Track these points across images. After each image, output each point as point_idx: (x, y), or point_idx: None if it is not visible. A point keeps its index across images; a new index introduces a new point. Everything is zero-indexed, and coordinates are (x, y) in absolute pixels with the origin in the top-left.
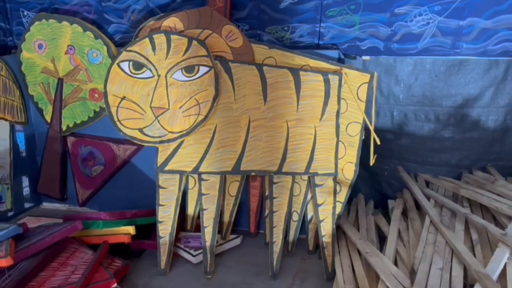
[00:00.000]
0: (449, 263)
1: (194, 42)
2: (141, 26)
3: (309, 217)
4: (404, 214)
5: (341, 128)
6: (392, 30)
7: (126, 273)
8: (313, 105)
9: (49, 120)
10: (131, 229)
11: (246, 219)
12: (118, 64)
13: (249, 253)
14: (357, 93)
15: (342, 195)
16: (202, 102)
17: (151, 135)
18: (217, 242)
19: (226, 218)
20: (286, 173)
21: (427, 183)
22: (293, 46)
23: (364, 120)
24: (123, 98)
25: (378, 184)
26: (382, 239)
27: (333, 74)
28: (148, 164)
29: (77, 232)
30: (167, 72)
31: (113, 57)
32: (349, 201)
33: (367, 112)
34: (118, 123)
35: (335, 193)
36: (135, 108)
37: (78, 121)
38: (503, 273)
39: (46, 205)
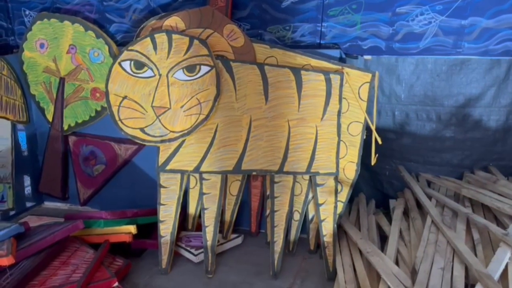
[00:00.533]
0: (451, 263)
1: (196, 42)
2: (142, 26)
3: (310, 216)
4: (406, 213)
5: (343, 127)
6: (393, 29)
7: (127, 272)
8: (314, 104)
9: (50, 120)
10: (132, 228)
11: (247, 218)
12: (119, 64)
13: (250, 253)
14: (358, 93)
15: (343, 195)
16: (203, 102)
17: (152, 135)
18: (218, 241)
19: (227, 217)
20: (287, 173)
21: (429, 183)
22: (295, 46)
23: (365, 119)
24: (125, 97)
25: (379, 184)
26: (383, 239)
27: (334, 73)
28: (149, 164)
29: (78, 231)
30: (169, 72)
31: (114, 57)
32: (350, 200)
33: (369, 111)
34: (119, 122)
35: (336, 192)
36: (136, 108)
37: (80, 121)
38: (505, 273)
39: (48, 204)
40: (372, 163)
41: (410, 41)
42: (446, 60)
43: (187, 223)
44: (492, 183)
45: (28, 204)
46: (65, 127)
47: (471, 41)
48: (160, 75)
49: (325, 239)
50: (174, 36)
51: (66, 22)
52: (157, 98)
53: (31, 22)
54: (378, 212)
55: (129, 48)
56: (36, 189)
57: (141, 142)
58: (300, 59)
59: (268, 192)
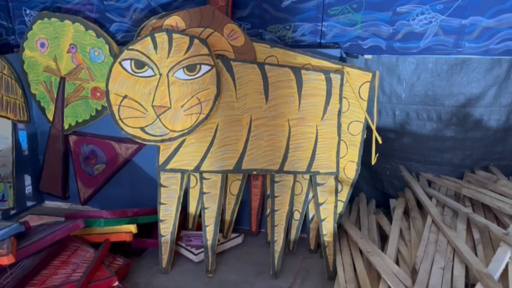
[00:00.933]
0: (451, 262)
1: (196, 41)
2: (143, 25)
3: (310, 216)
4: (406, 213)
5: (343, 127)
6: (394, 29)
7: (127, 272)
8: (315, 104)
9: (51, 119)
10: (132, 228)
11: (248, 218)
12: (120, 63)
13: (250, 252)
14: (359, 92)
15: (344, 194)
16: (203, 101)
17: (152, 134)
18: (218, 241)
19: (227, 217)
20: (288, 172)
21: (429, 183)
22: (295, 45)
23: (366, 119)
24: (125, 96)
25: (379, 184)
26: (383, 239)
27: (335, 73)
28: (149, 163)
29: (78, 231)
30: (169, 71)
31: (115, 56)
32: (351, 200)
33: (369, 111)
34: (119, 121)
35: (336, 192)
36: (136, 107)
37: (80, 120)
38: (505, 272)
39: (48, 203)
40: (373, 163)
41: (410, 40)
42: (447, 59)
43: (187, 223)
44: (492, 183)
45: (29, 203)
46: (66, 126)
47: (471, 41)
48: (160, 74)
49: (326, 238)
50: (175, 35)
51: (67, 22)
52: (157, 97)
53: (32, 22)
54: (379, 211)
55: (130, 47)
56: (36, 188)
57: (141, 142)
58: (300, 58)
59: (268, 192)
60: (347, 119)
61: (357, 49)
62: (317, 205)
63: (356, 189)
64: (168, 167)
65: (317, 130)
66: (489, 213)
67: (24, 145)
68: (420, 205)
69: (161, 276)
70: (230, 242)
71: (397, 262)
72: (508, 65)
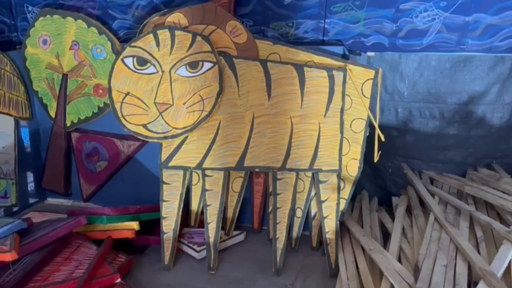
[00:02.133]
0: (454, 260)
1: (198, 38)
2: (145, 22)
3: (312, 213)
4: (408, 211)
5: (345, 124)
6: (397, 26)
7: (130, 269)
8: (317, 101)
9: (53, 116)
10: (135, 225)
11: (250, 215)
12: (122, 60)
13: (252, 249)
14: (361, 90)
15: (346, 192)
16: (206, 98)
17: (155, 131)
18: (220, 238)
19: (229, 214)
20: (290, 170)
21: (432, 180)
22: (298, 42)
23: (368, 116)
24: (127, 93)
25: (382, 181)
26: (386, 236)
27: (337, 70)
28: (152, 160)
29: (81, 227)
30: (171, 68)
31: (117, 53)
32: (353, 198)
33: (372, 108)
34: (122, 118)
35: (339, 189)
36: (139, 104)
37: (83, 117)
38: (508, 270)
39: (51, 200)
40: (375, 160)
41: (413, 37)
42: (450, 57)
43: (189, 220)
44: (495, 181)
45: (31, 200)
46: (68, 123)
47: (475, 38)
48: (162, 71)
49: (328, 236)
50: (177, 32)
51: (69, 19)
52: (159, 94)
53: (34, 19)
54: (381, 209)
55: (132, 44)
56: (39, 185)
57: (143, 139)
58: (303, 55)
59: (270, 189)
60: (350, 116)
61: (360, 46)
62: (320, 202)
63: (358, 186)
64: (170, 164)
65: (319, 127)
66: (492, 211)
67: (27, 142)
68: (422, 202)
69: (163, 273)
70: (232, 240)
71: (399, 260)
72: (511, 63)
